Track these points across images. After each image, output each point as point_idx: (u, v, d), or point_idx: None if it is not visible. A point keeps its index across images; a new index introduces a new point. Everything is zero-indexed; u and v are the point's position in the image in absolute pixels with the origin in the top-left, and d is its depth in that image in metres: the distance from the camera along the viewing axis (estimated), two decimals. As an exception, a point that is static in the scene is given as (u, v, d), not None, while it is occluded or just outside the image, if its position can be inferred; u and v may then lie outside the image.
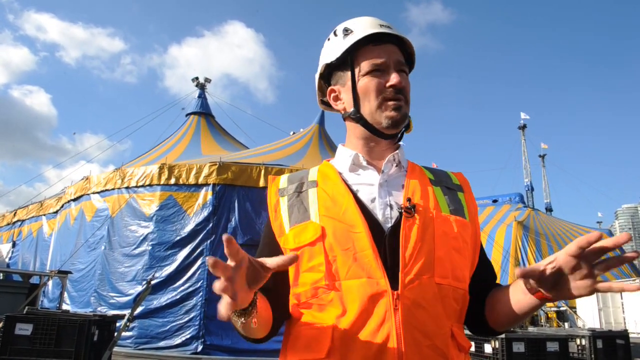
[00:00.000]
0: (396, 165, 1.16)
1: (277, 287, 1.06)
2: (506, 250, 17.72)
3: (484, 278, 1.14)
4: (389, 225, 1.04)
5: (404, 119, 1.13)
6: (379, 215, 1.06)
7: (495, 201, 24.83)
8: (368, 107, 1.14)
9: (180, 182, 8.61)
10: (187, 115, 14.41)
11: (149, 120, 15.50)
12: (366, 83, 1.13)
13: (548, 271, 0.86)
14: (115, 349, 5.26)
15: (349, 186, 1.11)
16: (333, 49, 1.19)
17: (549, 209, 35.26)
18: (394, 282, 0.96)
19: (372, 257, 0.98)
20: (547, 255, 18.02)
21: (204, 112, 14.34)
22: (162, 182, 8.70)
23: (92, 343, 4.55)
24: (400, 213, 1.04)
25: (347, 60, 1.16)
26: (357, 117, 1.16)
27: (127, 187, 9.06)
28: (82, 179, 10.36)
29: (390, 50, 1.14)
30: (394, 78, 1.11)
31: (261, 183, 8.42)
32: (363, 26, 1.15)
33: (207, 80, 15.48)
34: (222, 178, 8.41)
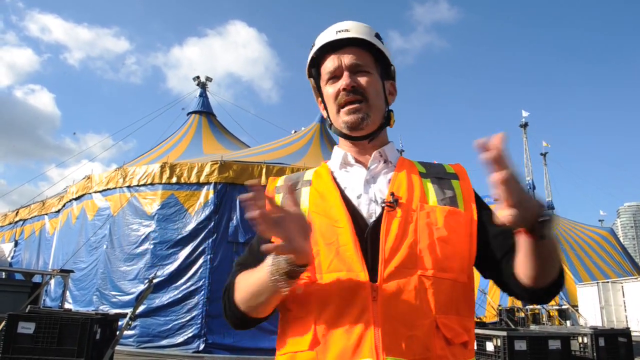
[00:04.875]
0: (384, 162, 1.20)
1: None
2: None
3: (504, 244, 1.08)
4: (373, 219, 1.07)
5: (361, 121, 1.15)
6: (363, 210, 1.09)
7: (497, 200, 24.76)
8: (332, 114, 1.21)
9: (182, 180, 8.62)
10: (188, 114, 14.42)
11: (150, 119, 15.53)
12: (326, 92, 1.20)
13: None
14: (118, 347, 5.28)
15: (337, 184, 1.16)
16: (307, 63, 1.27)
17: (550, 208, 35.20)
18: (374, 275, 0.98)
19: (353, 250, 1.01)
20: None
21: (205, 111, 14.35)
22: (163, 181, 8.72)
23: (95, 342, 4.56)
24: (383, 207, 1.06)
25: (312, 73, 1.26)
26: (329, 124, 1.25)
27: (128, 186, 9.08)
28: (84, 178, 10.37)
29: (346, 55, 1.16)
30: (342, 80, 1.15)
31: (263, 182, 8.40)
32: (321, 38, 1.20)
33: (209, 79, 15.50)
34: (223, 177, 8.42)
